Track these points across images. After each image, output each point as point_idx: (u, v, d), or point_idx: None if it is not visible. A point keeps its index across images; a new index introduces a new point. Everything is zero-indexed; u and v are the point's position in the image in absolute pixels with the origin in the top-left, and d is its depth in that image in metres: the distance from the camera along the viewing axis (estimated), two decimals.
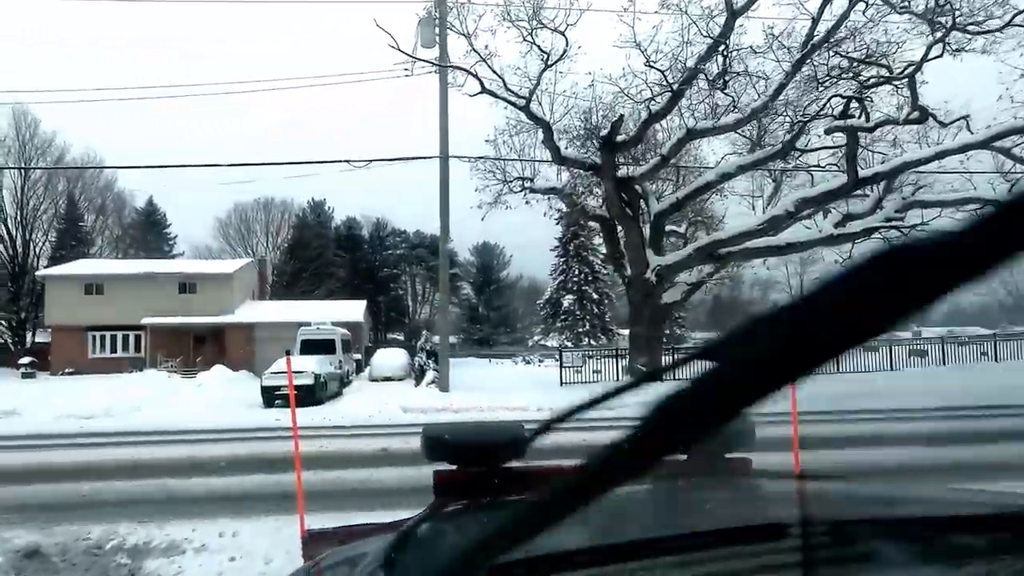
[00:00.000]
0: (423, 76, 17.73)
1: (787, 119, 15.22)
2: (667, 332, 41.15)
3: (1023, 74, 13.76)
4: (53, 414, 16.25)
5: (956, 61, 14.11)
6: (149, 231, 57.69)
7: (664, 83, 15.07)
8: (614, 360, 20.09)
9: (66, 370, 34.27)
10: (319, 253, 52.60)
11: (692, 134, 15.76)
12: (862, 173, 14.63)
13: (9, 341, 44.61)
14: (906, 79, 14.29)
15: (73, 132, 56.13)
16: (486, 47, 15.30)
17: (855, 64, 14.43)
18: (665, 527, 1.15)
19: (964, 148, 14.65)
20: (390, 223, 59.09)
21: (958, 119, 14.54)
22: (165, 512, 5.94)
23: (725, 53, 14.46)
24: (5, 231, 44.71)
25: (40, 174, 45.22)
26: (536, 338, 42.74)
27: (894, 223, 15.84)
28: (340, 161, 16.98)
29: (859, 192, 15.94)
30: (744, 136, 18.22)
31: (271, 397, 18.32)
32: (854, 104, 14.28)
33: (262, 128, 73.78)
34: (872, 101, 14.97)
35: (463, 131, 19.85)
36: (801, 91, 14.62)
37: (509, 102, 15.81)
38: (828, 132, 14.95)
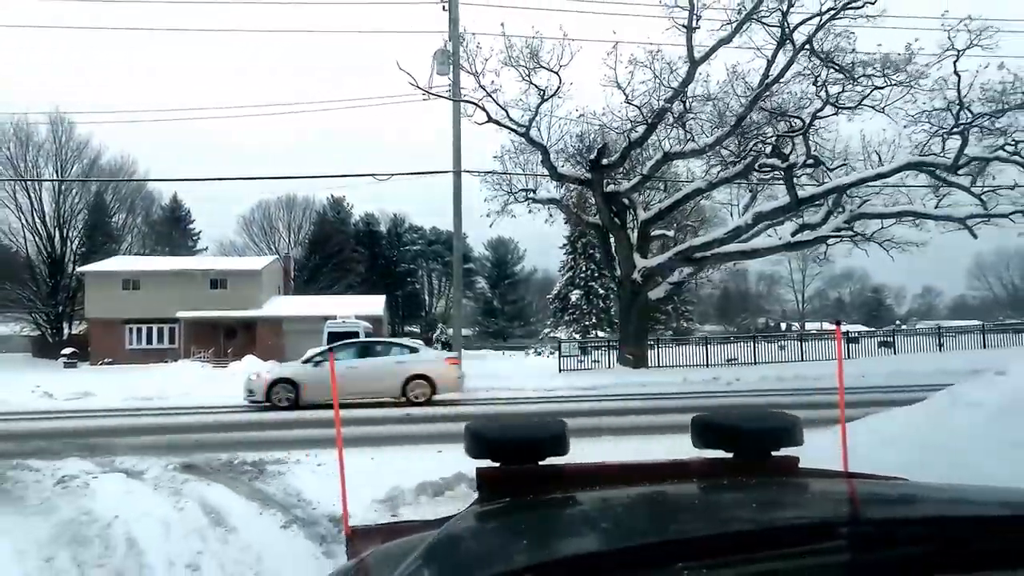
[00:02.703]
0: (439, 98, 20.71)
1: (740, 148, 18.38)
2: (674, 326, 44.12)
3: (906, 124, 17.09)
4: (121, 396, 19.35)
5: (846, 116, 18.03)
6: (173, 227, 60.86)
7: (640, 116, 18.04)
8: (607, 351, 23.03)
9: (105, 360, 37.39)
10: (339, 249, 55.44)
11: (668, 156, 18.79)
12: (802, 194, 17.67)
13: (47, 333, 48.11)
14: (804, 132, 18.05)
15: (107, 134, 59.57)
16: (492, 82, 18.36)
17: (775, 117, 17.50)
18: (712, 526, 1.14)
19: (877, 176, 17.91)
20: (407, 219, 62.05)
21: (839, 166, 17.74)
22: (262, 448, 8.93)
23: (684, 100, 17.46)
24: (43, 229, 48.04)
25: (78, 174, 48.56)
26: (546, 331, 45.56)
27: (842, 232, 18.83)
28: (366, 175, 19.91)
29: (818, 203, 19.00)
30: (728, 149, 20.95)
31: None
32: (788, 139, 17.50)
33: (296, 137, 77.43)
34: (788, 147, 18.39)
35: (475, 143, 22.90)
36: (745, 130, 17.79)
37: (512, 129, 18.83)
38: (760, 168, 18.04)
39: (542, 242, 61.91)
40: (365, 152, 68.80)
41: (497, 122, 18.55)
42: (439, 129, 22.62)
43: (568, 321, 41.92)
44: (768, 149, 17.91)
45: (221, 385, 23.75)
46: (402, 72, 16.65)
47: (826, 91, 17.71)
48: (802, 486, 1.53)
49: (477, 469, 1.62)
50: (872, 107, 17.83)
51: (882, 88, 17.59)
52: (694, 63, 17.83)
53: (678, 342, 26.02)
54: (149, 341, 39.67)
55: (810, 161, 18.19)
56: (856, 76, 17.26)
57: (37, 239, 47.89)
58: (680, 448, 6.87)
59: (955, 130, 17.66)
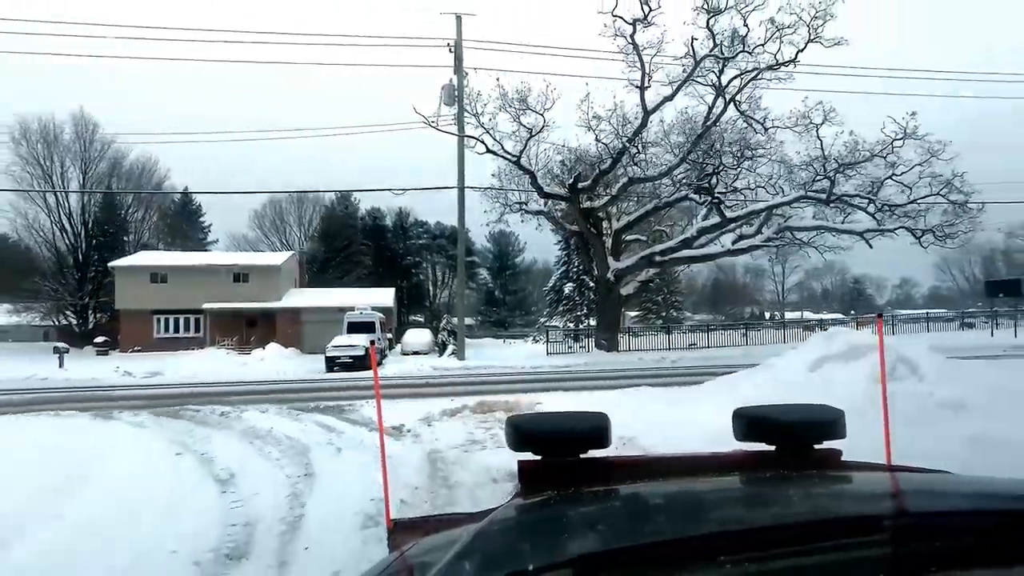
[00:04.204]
0: (447, 121, 25.64)
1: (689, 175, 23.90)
2: (663, 315, 49.02)
3: (789, 171, 22.32)
4: (185, 375, 24.23)
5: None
6: (184, 221, 64.89)
7: (607, 151, 23.19)
8: (588, 337, 28.07)
9: (134, 348, 41.88)
10: (347, 243, 59.38)
11: (631, 181, 23.96)
12: (730, 215, 22.87)
13: (74, 323, 52.62)
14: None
15: (129, 132, 63.86)
16: (490, 119, 23.46)
17: (698, 162, 22.84)
18: (754, 520, 1.18)
19: (777, 205, 23.61)
20: (412, 213, 65.83)
21: (739, 204, 23.01)
22: (331, 399, 13.81)
23: (636, 144, 22.57)
24: (70, 226, 52.54)
25: (102, 173, 53.19)
26: (543, 320, 50.34)
27: (772, 241, 24.03)
28: (384, 189, 24.77)
29: (755, 218, 24.41)
30: (687, 166, 25.91)
31: (332, 364, 25.70)
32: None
33: (316, 141, 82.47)
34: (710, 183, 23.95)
35: (475, 158, 27.78)
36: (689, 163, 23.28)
37: (506, 158, 23.85)
38: (686, 199, 23.27)
39: (541, 235, 66.09)
40: (378, 153, 73.50)
41: (494, 152, 23.65)
42: (445, 142, 27.33)
43: (562, 311, 46.72)
44: (695, 187, 23.21)
45: (254, 367, 28.70)
46: (418, 114, 21.61)
47: (720, 158, 23.52)
48: (845, 479, 1.55)
49: (519, 462, 1.69)
50: (748, 170, 24.46)
51: (751, 159, 24.16)
52: (647, 113, 23.20)
53: (651, 329, 31.20)
54: (176, 330, 43.80)
55: (715, 200, 23.86)
56: (767, 128, 22.46)
57: (64, 235, 52.18)
58: (608, 397, 12.88)
59: (819, 177, 23.78)
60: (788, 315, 59.42)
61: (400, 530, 1.76)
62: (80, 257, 52.37)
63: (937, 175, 22.59)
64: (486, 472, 7.54)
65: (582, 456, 1.66)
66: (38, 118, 50.13)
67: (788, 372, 9.79)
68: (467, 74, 24.14)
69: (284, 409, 12.65)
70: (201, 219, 68.33)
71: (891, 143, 22.62)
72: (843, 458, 1.72)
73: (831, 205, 23.91)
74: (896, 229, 23.67)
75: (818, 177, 23.75)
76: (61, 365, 25.03)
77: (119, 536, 5.64)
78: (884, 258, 41.76)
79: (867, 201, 23.76)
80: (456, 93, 24.00)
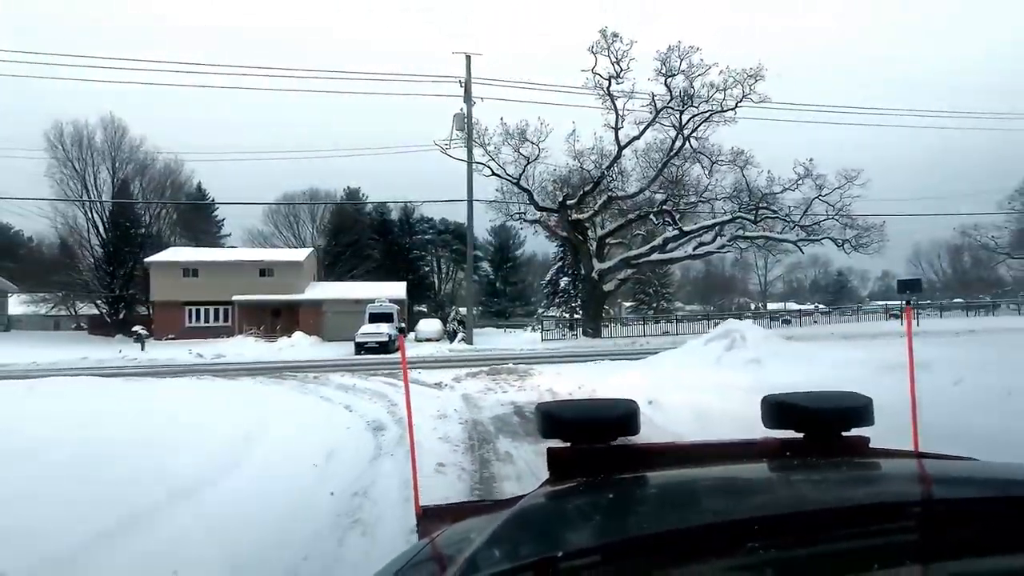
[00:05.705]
0: (458, 144, 31.60)
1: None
2: (655, 305, 55.03)
3: (727, 198, 28.38)
4: (244, 356, 29.95)
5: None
6: (199, 216, 69.35)
7: (590, 176, 29.35)
8: (578, 326, 34.27)
9: (168, 336, 47.17)
10: (356, 238, 64.48)
11: (610, 199, 30.05)
12: (686, 228, 29.04)
13: (105, 313, 57.88)
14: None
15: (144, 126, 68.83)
16: (494, 149, 29.63)
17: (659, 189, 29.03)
18: (782, 506, 1.20)
19: (722, 222, 29.25)
20: (418, 209, 70.38)
21: (695, 218, 29.07)
22: (382, 369, 19.80)
23: (612, 173, 28.65)
24: (102, 223, 57.83)
25: (131, 174, 58.68)
26: (540, 310, 56.08)
27: (724, 248, 30.25)
28: (401, 201, 30.99)
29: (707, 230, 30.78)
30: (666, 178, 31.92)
31: (360, 348, 31.24)
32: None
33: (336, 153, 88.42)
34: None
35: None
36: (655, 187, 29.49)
37: (507, 180, 29.96)
38: (647, 216, 29.35)
39: (539, 233, 71.52)
40: (391, 154, 79.05)
41: (497, 175, 29.99)
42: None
43: (559, 303, 52.55)
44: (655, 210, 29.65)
45: (286, 352, 34.11)
46: (436, 145, 27.61)
47: (671, 189, 29.11)
48: (874, 466, 1.58)
49: (548, 449, 1.71)
50: (692, 206, 29.86)
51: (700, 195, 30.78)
52: (620, 148, 29.38)
53: (633, 318, 37.35)
54: (206, 320, 48.86)
55: (667, 222, 29.93)
56: (713, 162, 28.67)
57: (97, 232, 57.46)
58: (573, 367, 20.38)
59: (747, 205, 30.08)
60: (771, 306, 65.62)
61: (429, 517, 1.84)
62: (111, 251, 57.38)
63: (856, 196, 29.22)
64: (498, 402, 13.42)
65: (612, 443, 1.68)
66: (72, 121, 55.28)
67: (692, 348, 15.62)
68: (475, 102, 30.05)
69: (353, 375, 18.63)
70: (215, 213, 73.21)
71: (796, 180, 29.74)
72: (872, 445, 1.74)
73: (758, 223, 30.17)
74: (822, 239, 29.96)
75: (743, 206, 30.21)
76: (143, 348, 30.97)
77: (316, 426, 11.58)
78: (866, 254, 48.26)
79: (787, 219, 30.03)
80: (466, 121, 29.91)
